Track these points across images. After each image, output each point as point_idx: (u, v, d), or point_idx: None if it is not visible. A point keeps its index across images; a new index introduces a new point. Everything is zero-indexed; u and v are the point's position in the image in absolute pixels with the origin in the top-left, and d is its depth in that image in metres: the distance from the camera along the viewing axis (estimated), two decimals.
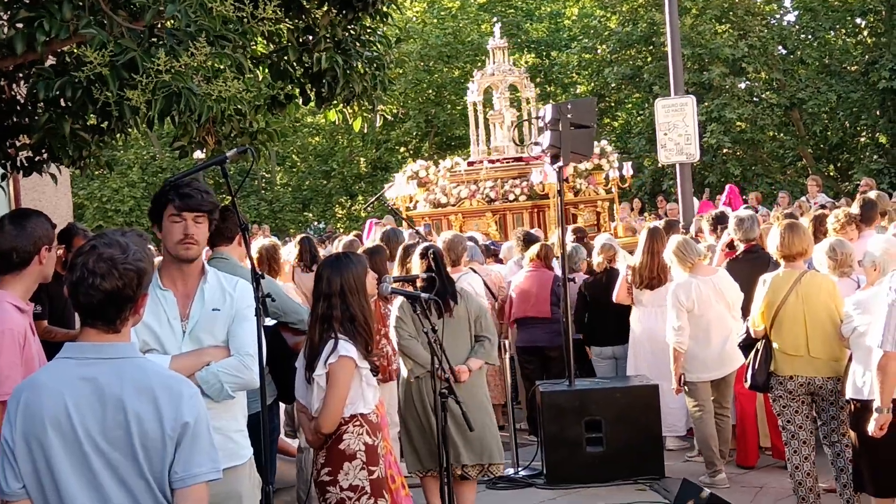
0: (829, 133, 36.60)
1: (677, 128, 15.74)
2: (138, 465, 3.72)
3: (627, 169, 19.15)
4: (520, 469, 10.18)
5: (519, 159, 20.17)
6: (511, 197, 19.17)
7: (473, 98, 21.42)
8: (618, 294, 11.10)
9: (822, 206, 15.54)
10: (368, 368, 5.86)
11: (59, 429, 3.72)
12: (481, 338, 8.14)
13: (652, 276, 10.76)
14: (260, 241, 9.83)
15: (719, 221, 11.70)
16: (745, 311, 9.29)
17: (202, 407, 3.84)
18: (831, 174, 37.83)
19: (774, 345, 7.97)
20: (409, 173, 20.42)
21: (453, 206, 19.49)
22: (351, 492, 5.73)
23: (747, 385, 8.36)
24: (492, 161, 20.29)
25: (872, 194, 11.69)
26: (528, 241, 12.80)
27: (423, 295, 6.74)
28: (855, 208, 10.38)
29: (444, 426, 6.54)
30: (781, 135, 37.34)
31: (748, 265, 9.96)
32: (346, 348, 5.72)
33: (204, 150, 6.71)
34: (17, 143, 6.54)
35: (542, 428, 9.99)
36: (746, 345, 8.47)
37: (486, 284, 12.00)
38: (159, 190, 5.15)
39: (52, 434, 3.72)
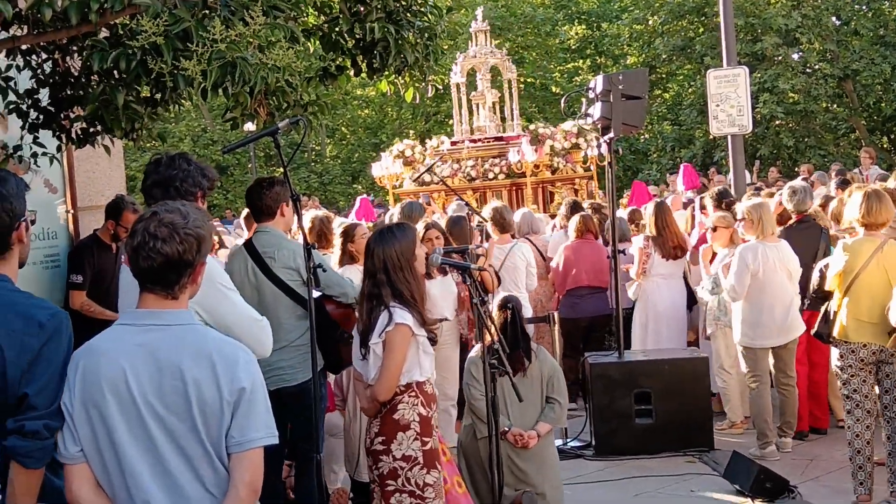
0: (882, 104, 36.11)
1: (729, 99, 15.57)
2: (196, 430, 3.77)
3: (605, 147, 19.21)
4: (569, 440, 10.20)
5: (499, 139, 20.71)
6: (490, 175, 19.68)
7: (456, 79, 21.68)
8: (637, 271, 11.41)
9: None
10: (425, 336, 5.84)
11: (117, 394, 3.78)
12: (552, 400, 7.85)
13: (675, 246, 11.16)
14: (312, 213, 9.87)
15: (723, 197, 11.78)
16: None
17: (258, 373, 3.88)
18: (885, 146, 37.40)
19: (846, 311, 7.86)
20: (395, 152, 20.97)
21: (436, 184, 19.75)
22: (404, 462, 5.73)
23: (813, 332, 8.38)
24: (473, 140, 20.79)
25: None
26: (574, 210, 12.87)
27: (472, 266, 6.71)
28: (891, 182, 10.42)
29: (493, 395, 6.51)
30: (835, 106, 36.92)
31: (801, 235, 10.01)
32: (403, 316, 5.68)
33: (255, 122, 6.73)
34: (72, 115, 6.60)
35: (592, 399, 10.00)
36: (817, 297, 8.60)
37: (540, 253, 12.16)
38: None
39: (110, 400, 3.77)
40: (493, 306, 8.00)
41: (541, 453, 7.71)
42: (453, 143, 21.05)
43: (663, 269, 11.28)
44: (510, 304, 7.88)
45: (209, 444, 3.79)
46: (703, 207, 12.52)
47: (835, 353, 8.07)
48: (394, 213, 11.21)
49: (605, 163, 10.56)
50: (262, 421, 3.84)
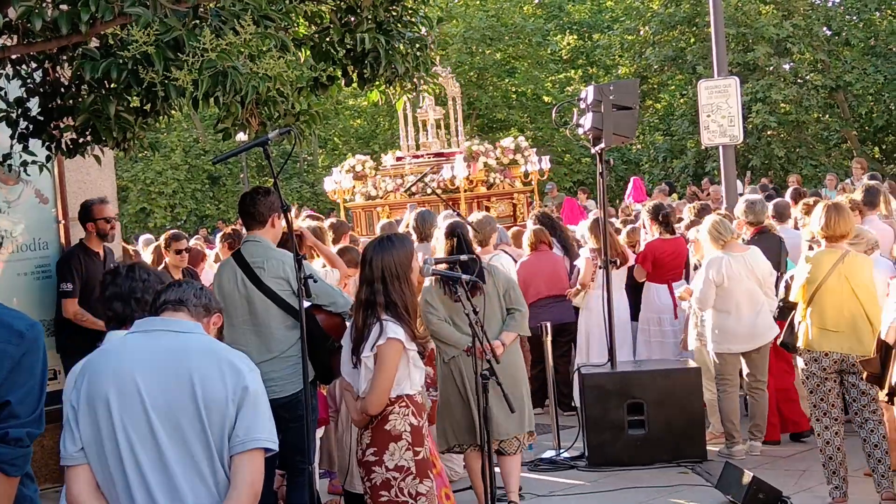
0: (874, 115, 36.24)
1: (720, 109, 15.57)
2: (202, 427, 3.82)
3: (546, 163, 20.80)
4: (562, 451, 10.19)
5: (440, 155, 21.19)
6: (428, 191, 20.01)
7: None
8: (583, 277, 11.76)
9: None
10: (416, 350, 5.82)
11: (124, 391, 3.85)
12: (512, 310, 8.18)
13: (617, 254, 11.46)
14: (306, 223, 9.87)
15: (659, 210, 12.04)
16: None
17: (261, 384, 3.99)
18: (876, 156, 37.48)
19: (810, 321, 8.07)
20: (346, 167, 21.61)
21: (381, 198, 20.53)
22: (396, 472, 5.70)
23: (779, 342, 8.75)
24: (415, 156, 21.40)
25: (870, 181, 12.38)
26: (544, 222, 12.93)
27: (464, 276, 6.69)
28: (858, 195, 10.82)
29: (485, 406, 6.51)
30: (826, 116, 36.98)
31: (760, 246, 10.13)
32: (395, 330, 5.65)
33: (247, 132, 6.72)
34: (62, 125, 6.58)
35: (584, 410, 9.98)
36: (785, 307, 8.92)
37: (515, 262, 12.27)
38: None
39: (115, 397, 3.85)
40: (441, 234, 8.37)
41: (508, 363, 7.99)
42: (398, 159, 21.61)
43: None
44: (457, 231, 8.22)
45: (213, 444, 3.84)
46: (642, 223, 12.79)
47: (800, 362, 8.30)
48: (408, 223, 11.24)
49: (598, 173, 10.55)
50: (265, 425, 3.93)
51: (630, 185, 23.71)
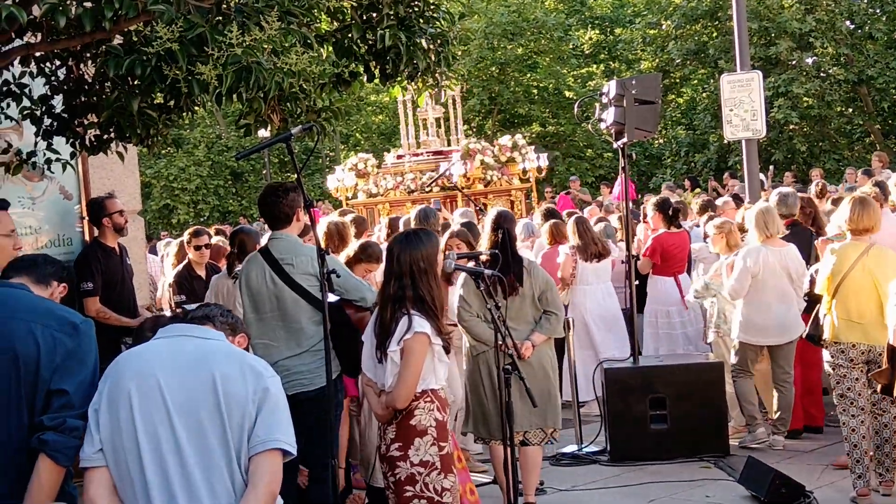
0: None
1: (743, 104, 15.49)
2: (222, 424, 3.84)
3: (543, 160, 21.35)
4: (584, 446, 10.18)
5: (439, 153, 21.64)
6: (427, 188, 20.34)
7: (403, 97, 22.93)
8: (563, 272, 11.73)
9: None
10: (441, 344, 5.82)
11: (145, 390, 3.88)
12: (548, 312, 8.17)
13: (595, 253, 11.66)
14: (330, 217, 9.89)
15: (666, 205, 12.18)
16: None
17: (282, 389, 4.02)
18: None
19: (835, 313, 8.16)
20: (349, 165, 22.03)
21: (382, 196, 20.96)
22: (421, 467, 5.70)
23: (804, 335, 8.99)
24: (414, 154, 21.80)
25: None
26: (549, 217, 12.98)
27: (486, 271, 6.67)
28: (867, 188, 10.84)
29: (507, 401, 6.51)
30: (849, 110, 36.78)
31: (791, 239, 10.09)
32: (422, 324, 5.64)
33: (268, 129, 6.74)
34: (86, 122, 6.62)
35: (607, 405, 9.98)
36: (811, 300, 9.15)
37: None
38: None
39: (137, 395, 3.88)
40: (486, 226, 8.37)
41: (538, 361, 8.08)
42: (398, 157, 21.97)
43: (589, 275, 11.74)
44: (503, 225, 8.20)
45: (232, 444, 3.86)
46: (644, 216, 12.77)
47: (826, 354, 8.37)
48: (409, 219, 11.27)
49: (621, 167, 10.55)
50: (285, 428, 3.95)
51: (618, 182, 23.84)
